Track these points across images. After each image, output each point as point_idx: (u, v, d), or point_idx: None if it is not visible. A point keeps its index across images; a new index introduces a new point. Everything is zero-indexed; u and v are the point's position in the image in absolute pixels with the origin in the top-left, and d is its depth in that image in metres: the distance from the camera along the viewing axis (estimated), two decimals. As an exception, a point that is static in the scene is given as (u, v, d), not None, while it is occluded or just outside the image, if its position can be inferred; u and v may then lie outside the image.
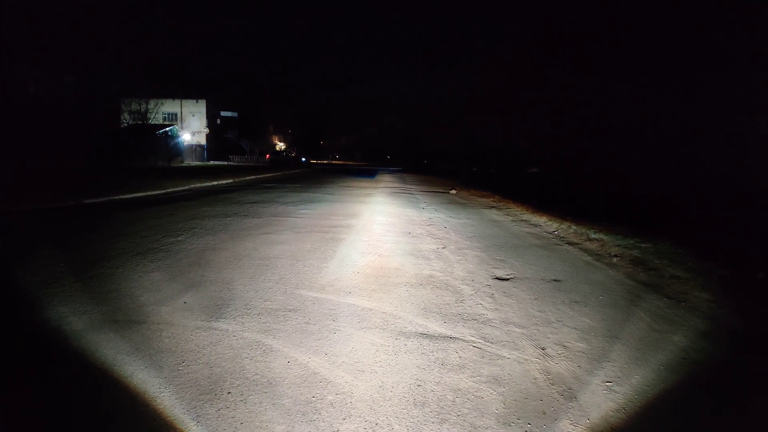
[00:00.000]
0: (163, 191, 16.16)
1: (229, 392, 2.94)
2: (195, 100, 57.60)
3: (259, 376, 3.17)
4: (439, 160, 58.96)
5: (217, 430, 2.54)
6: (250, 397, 2.90)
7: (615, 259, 7.38)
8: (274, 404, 2.82)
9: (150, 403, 2.77)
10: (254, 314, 4.35)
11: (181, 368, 3.24)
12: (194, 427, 2.55)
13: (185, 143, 48.91)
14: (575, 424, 2.78)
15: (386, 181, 30.43)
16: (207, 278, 5.46)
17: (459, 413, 2.84)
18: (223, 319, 4.19)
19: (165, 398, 2.84)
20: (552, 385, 3.27)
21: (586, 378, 3.40)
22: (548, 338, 4.11)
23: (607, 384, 3.32)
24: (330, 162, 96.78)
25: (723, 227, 10.03)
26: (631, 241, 8.56)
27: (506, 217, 12.95)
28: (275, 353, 3.54)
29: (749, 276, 6.34)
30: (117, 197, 13.54)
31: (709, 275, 6.34)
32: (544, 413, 2.90)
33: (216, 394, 2.91)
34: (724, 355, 3.98)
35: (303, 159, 68.34)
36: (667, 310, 5.02)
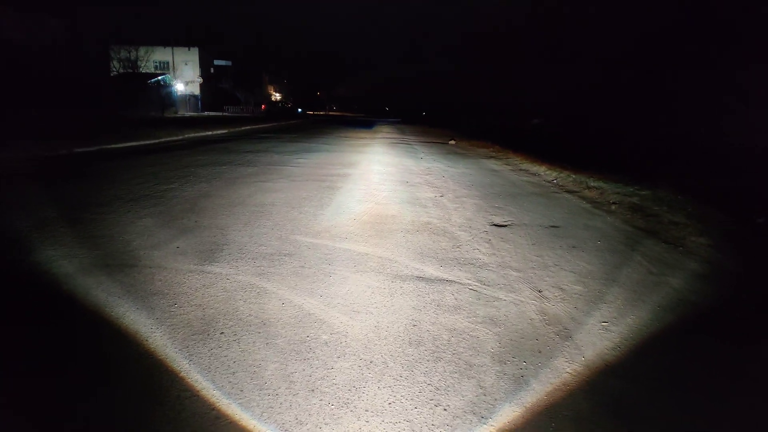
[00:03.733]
0: (157, 141, 15.90)
1: (222, 333, 2.91)
2: (187, 48, 55.77)
3: (252, 317, 3.14)
4: (440, 112, 58.02)
5: (209, 368, 2.52)
6: (244, 337, 2.87)
7: (614, 206, 7.31)
8: (267, 344, 2.80)
9: (142, 343, 2.74)
10: (248, 258, 4.29)
11: (173, 310, 3.20)
12: (187, 366, 2.53)
13: (178, 93, 47.74)
14: (570, 362, 2.77)
15: (384, 132, 30.03)
16: (201, 224, 5.38)
17: (454, 352, 2.82)
18: (216, 263, 4.14)
19: (157, 338, 2.81)
20: (548, 325, 3.25)
21: (583, 318, 3.39)
22: (545, 281, 4.09)
23: (603, 324, 3.30)
24: (327, 113, 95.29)
25: (722, 176, 9.94)
26: (630, 189, 8.48)
27: (505, 166, 12.81)
28: (269, 295, 3.51)
29: (749, 221, 6.29)
30: (108, 146, 13.32)
31: (708, 221, 6.29)
32: (540, 352, 2.88)
33: (209, 335, 2.88)
34: (720, 296, 3.97)
35: (299, 110, 67.24)
36: (665, 255, 4.99)
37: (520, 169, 12.14)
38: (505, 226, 5.93)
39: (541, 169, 11.85)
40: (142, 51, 42.50)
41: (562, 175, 10.70)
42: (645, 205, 7.23)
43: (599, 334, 3.15)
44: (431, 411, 2.26)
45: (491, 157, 15.39)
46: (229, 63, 67.87)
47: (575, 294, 3.83)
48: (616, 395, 2.46)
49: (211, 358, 2.62)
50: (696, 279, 4.29)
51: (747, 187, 8.55)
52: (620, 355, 2.87)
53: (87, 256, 4.15)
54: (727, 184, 8.97)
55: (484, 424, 2.19)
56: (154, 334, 2.85)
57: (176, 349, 2.69)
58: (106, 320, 3.00)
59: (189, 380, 2.41)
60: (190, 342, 2.78)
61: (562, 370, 2.69)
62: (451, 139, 22.32)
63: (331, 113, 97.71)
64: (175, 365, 2.54)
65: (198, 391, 2.32)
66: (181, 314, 3.14)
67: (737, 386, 2.64)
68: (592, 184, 9.24)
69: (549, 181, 10.02)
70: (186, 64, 55.35)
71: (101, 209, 5.85)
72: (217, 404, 2.23)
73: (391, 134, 27.36)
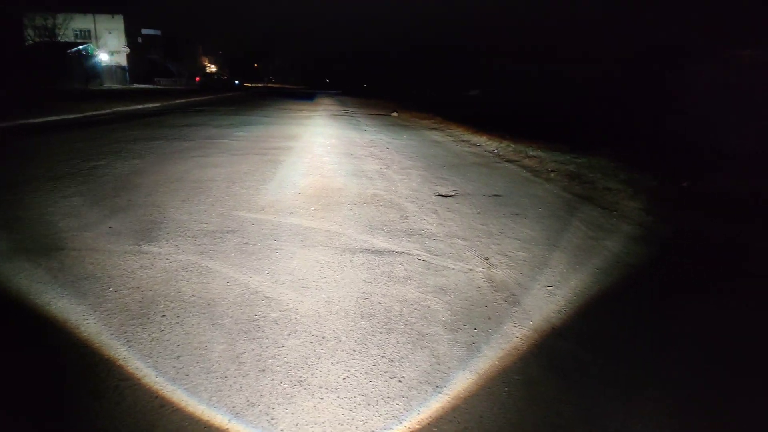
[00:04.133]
0: (81, 115, 14.81)
1: (163, 315, 2.76)
2: (111, 15, 51.80)
3: (196, 298, 2.99)
4: (382, 84, 57.65)
5: (151, 354, 2.37)
6: (187, 319, 2.73)
7: (552, 174, 7.53)
8: (213, 325, 2.67)
9: (73, 332, 2.54)
10: (188, 236, 4.09)
11: (107, 294, 3.00)
12: (125, 353, 2.37)
13: (103, 64, 44.63)
14: (519, 327, 2.83)
15: (325, 104, 29.51)
16: (135, 202, 5.08)
17: (406, 322, 2.81)
18: (154, 243, 3.91)
19: (90, 325, 2.61)
20: (496, 292, 3.31)
21: (528, 284, 3.46)
22: (491, 249, 4.15)
23: (548, 288, 3.39)
24: (265, 85, 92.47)
25: (651, 145, 10.44)
26: (567, 157, 8.75)
27: (447, 137, 12.90)
28: (213, 274, 3.36)
29: (675, 185, 6.65)
30: (26, 121, 12.27)
31: (638, 186, 6.60)
32: (490, 318, 2.92)
33: (149, 318, 2.72)
34: (652, 257, 4.17)
35: (236, 82, 65.02)
36: (601, 219, 5.19)
37: (462, 140, 12.27)
38: (451, 196, 5.97)
39: (482, 140, 12.03)
40: (60, 18, 39.33)
41: (502, 145, 10.90)
42: (581, 173, 7.49)
43: (545, 298, 3.23)
44: (386, 383, 2.24)
45: (433, 128, 15.46)
46: (158, 32, 64.05)
47: (520, 260, 3.92)
48: (564, 357, 2.53)
49: (153, 342, 2.48)
50: (631, 241, 4.49)
51: (677, 155, 9.03)
52: (566, 318, 2.96)
53: (4, 241, 3.81)
54: (660, 153, 9.44)
55: (439, 393, 2.19)
56: (87, 321, 2.66)
57: (113, 336, 2.52)
58: (30, 309, 2.76)
59: (129, 368, 2.27)
60: (128, 327, 2.61)
61: (512, 335, 2.74)
62: (393, 111, 22.24)
63: (269, 85, 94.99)
64: (112, 353, 2.38)
65: (139, 378, 2.19)
66: (116, 298, 2.95)
67: (673, 343, 2.79)
68: (531, 153, 9.47)
69: (490, 151, 10.18)
70: (110, 33, 51.56)
71: (19, 189, 5.39)
72: (161, 391, 2.11)
73: (333, 106, 26.92)
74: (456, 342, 2.63)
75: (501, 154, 9.82)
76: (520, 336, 2.73)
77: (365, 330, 2.70)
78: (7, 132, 10.45)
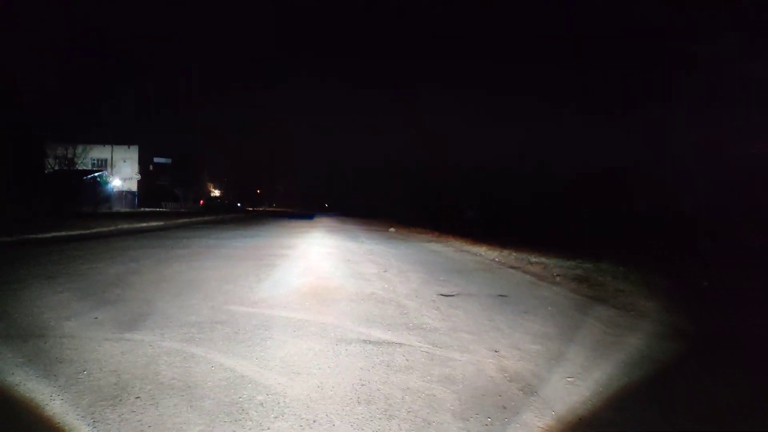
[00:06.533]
0: (87, 231, 14.79)
1: (137, 397, 2.43)
2: (127, 146, 55.03)
3: (176, 381, 2.67)
4: (381, 205, 59.17)
5: (115, 437, 2.04)
6: (163, 400, 2.40)
7: (558, 278, 7.32)
8: (191, 406, 2.34)
9: (35, 411, 2.24)
10: (175, 326, 3.81)
11: (80, 377, 2.69)
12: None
13: (115, 189, 46.41)
14: (540, 416, 2.48)
15: (324, 221, 29.99)
16: (124, 297, 4.84)
17: (409, 410, 2.46)
18: (138, 331, 3.63)
19: (56, 405, 2.33)
20: (510, 382, 2.97)
21: (545, 375, 3.13)
22: (500, 342, 3.84)
23: (569, 379, 3.06)
24: (265, 209, 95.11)
25: (658, 247, 10.38)
26: (573, 263, 8.61)
27: (447, 248, 12.85)
28: (197, 359, 3.04)
29: (694, 285, 6.44)
30: (32, 236, 12.21)
31: (653, 287, 6.38)
32: (505, 408, 2.58)
33: (121, 400, 2.40)
34: (681, 352, 3.86)
35: (239, 204, 66.93)
36: (618, 318, 4.91)
37: (462, 250, 12.19)
38: (453, 295, 5.73)
39: (482, 250, 11.95)
40: (79, 149, 41.62)
41: (503, 253, 10.80)
42: (590, 276, 7.29)
43: (566, 389, 2.89)
44: (389, 472, 1.88)
45: (432, 241, 15.48)
46: (169, 160, 67.34)
47: (534, 353, 3.60)
48: (596, 446, 2.18)
49: (121, 423, 2.15)
50: (655, 338, 4.19)
51: (685, 253, 8.93)
52: (594, 409, 2.61)
53: (-21, 327, 3.53)
54: (669, 256, 9.35)
55: (453, 484, 1.83)
56: (54, 402, 2.36)
57: (78, 416, 2.21)
58: (-10, 389, 2.45)
59: (88, 451, 1.94)
60: (97, 408, 2.30)
61: (533, 425, 2.39)
62: (391, 227, 22.52)
63: (269, 209, 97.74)
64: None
65: (96, 462, 1.84)
66: (89, 381, 2.64)
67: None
68: (533, 260, 9.33)
69: (491, 259, 10.05)
70: (125, 161, 54.31)
71: (12, 286, 5.19)
72: (120, 476, 1.76)
73: (331, 223, 27.31)
74: (467, 431, 2.28)
75: (502, 261, 9.67)
76: (542, 426, 2.38)
77: (362, 415, 2.36)
78: (17, 244, 10.38)
